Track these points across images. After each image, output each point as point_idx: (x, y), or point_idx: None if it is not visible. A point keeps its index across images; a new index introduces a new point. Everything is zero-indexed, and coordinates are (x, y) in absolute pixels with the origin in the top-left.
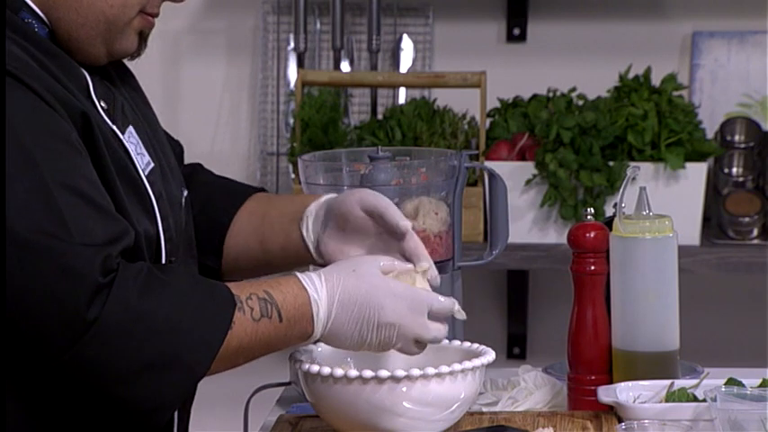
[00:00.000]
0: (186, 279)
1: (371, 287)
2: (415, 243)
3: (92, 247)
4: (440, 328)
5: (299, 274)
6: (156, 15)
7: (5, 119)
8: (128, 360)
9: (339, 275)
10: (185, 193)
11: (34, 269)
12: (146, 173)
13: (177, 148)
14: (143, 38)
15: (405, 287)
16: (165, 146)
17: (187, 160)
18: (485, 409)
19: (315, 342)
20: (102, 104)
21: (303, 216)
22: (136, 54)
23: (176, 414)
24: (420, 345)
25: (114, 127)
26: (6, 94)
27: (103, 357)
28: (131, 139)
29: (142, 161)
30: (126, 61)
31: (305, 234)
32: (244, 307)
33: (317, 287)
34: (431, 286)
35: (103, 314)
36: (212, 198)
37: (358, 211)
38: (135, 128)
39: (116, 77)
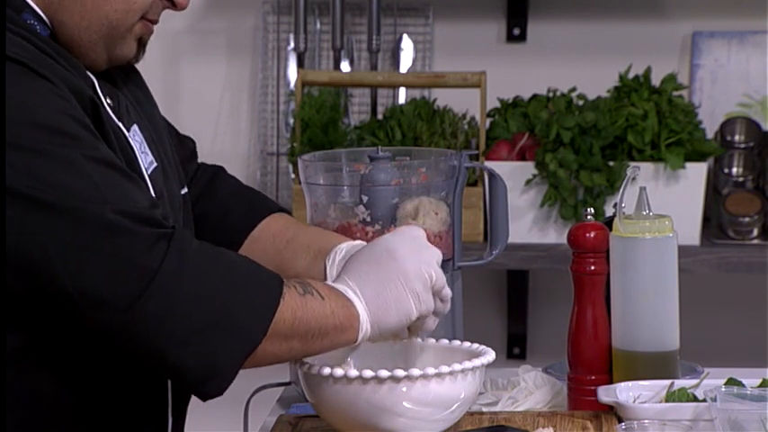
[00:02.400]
0: (231, 252)
1: (395, 254)
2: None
3: (142, 208)
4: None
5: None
6: (156, 22)
7: (17, 106)
8: (184, 320)
9: (361, 263)
10: (184, 191)
11: (81, 236)
12: (149, 171)
13: (191, 144)
14: (142, 44)
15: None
16: (166, 144)
17: None
18: (485, 409)
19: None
20: (109, 101)
21: (331, 251)
22: (134, 60)
23: (170, 413)
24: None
25: (120, 124)
26: (19, 82)
27: (161, 315)
28: (136, 138)
29: (145, 160)
30: None
31: (328, 268)
32: (287, 284)
33: (348, 282)
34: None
35: (165, 264)
36: (228, 213)
37: None
38: (139, 127)
39: (119, 78)
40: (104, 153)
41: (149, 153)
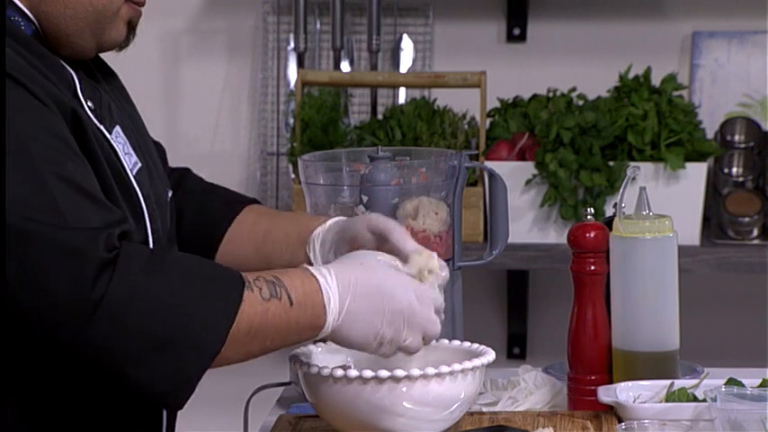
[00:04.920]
0: (190, 258)
1: (382, 278)
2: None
3: (89, 229)
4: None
5: (306, 266)
6: (143, 4)
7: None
8: (138, 339)
9: (347, 267)
10: (170, 193)
11: (34, 258)
12: (133, 173)
13: (159, 150)
14: (131, 27)
15: (411, 280)
16: (150, 146)
17: (187, 160)
18: (485, 409)
19: (323, 340)
20: (90, 104)
21: (309, 240)
22: (124, 44)
23: (164, 413)
24: (424, 341)
25: (102, 127)
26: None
27: (113, 337)
28: (119, 139)
29: (130, 161)
30: (118, 54)
31: (311, 257)
32: (252, 286)
33: (327, 277)
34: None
35: (109, 291)
36: (204, 208)
37: (366, 233)
38: (121, 127)
39: (100, 76)
40: (69, 171)
41: (133, 154)
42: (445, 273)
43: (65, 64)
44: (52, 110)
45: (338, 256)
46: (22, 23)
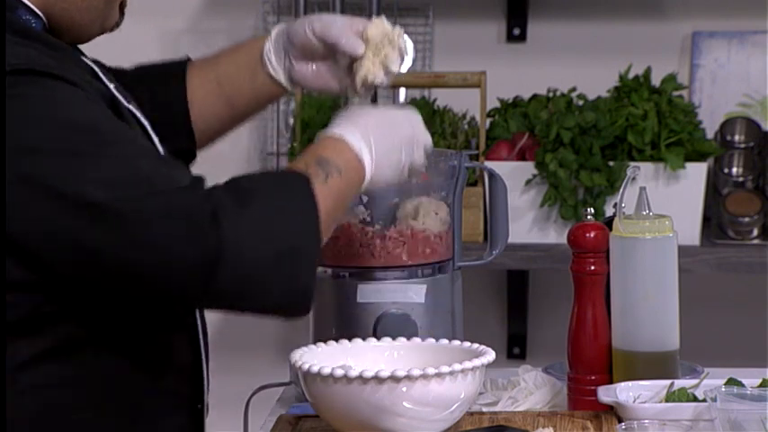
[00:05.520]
0: (257, 178)
1: (385, 113)
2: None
3: (184, 189)
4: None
5: (334, 131)
6: None
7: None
8: (259, 266)
9: (360, 118)
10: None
11: (143, 231)
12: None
13: None
14: (121, 10)
15: (400, 106)
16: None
17: None
18: (485, 409)
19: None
20: (113, 85)
21: (263, 57)
22: (116, 26)
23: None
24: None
25: (130, 106)
26: (49, 91)
27: (240, 274)
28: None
29: (155, 135)
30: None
31: (273, 73)
32: (312, 178)
33: (354, 135)
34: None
35: (221, 235)
36: (155, 89)
37: (314, 40)
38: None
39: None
40: (143, 143)
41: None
42: (399, 30)
43: (81, 53)
44: (93, 97)
45: (294, 63)
46: (33, 21)
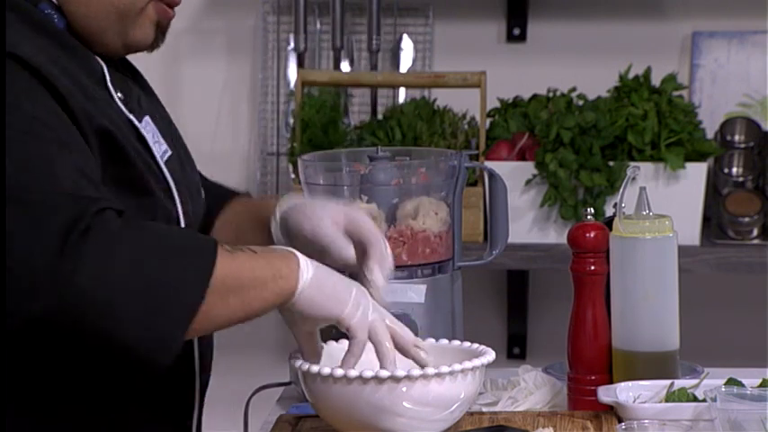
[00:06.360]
0: (161, 224)
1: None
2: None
3: (60, 194)
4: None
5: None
6: (175, 4)
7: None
8: (121, 293)
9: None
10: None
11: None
12: (164, 160)
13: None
14: (161, 29)
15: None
16: (180, 137)
17: None
18: (485, 409)
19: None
20: (119, 95)
21: (271, 233)
22: (154, 45)
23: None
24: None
25: (131, 116)
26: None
27: (97, 292)
28: (147, 128)
29: (159, 149)
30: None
31: (275, 240)
32: (219, 243)
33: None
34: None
35: (89, 243)
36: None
37: (340, 236)
38: (151, 118)
39: (129, 70)
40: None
41: (163, 143)
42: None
43: (97, 57)
44: (72, 101)
45: (297, 240)
46: (56, 17)
